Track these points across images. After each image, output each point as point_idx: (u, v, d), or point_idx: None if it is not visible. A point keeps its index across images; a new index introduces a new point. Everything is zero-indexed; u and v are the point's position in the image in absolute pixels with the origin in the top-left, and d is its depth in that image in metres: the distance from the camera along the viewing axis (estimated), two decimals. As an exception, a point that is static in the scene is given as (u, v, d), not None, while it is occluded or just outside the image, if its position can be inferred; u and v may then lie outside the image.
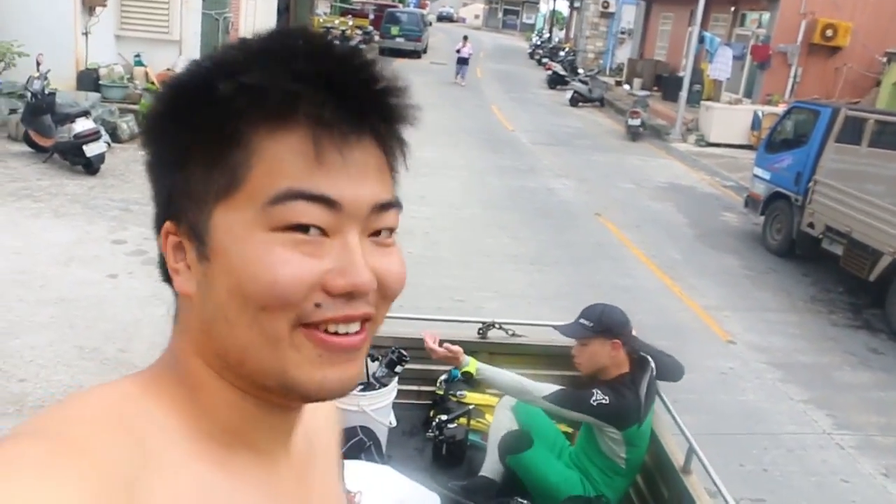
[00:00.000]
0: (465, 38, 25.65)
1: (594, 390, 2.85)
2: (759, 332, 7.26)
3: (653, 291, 7.98)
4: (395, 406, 3.32)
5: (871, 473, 5.14)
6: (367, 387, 3.12)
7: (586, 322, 3.01)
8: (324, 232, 0.63)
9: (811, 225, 9.07)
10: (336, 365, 0.65)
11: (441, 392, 3.58)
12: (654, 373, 2.99)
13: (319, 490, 0.80)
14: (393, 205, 0.68)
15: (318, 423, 0.85)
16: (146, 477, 0.58)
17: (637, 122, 17.64)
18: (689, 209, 11.78)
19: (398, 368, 3.19)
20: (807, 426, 5.63)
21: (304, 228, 0.63)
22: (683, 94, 17.97)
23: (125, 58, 13.33)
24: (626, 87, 24.46)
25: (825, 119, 9.32)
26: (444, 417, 3.34)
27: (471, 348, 3.63)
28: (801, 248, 9.44)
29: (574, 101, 22.88)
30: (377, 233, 0.68)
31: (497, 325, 3.67)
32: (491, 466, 3.19)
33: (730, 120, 17.65)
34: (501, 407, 3.34)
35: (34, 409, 4.43)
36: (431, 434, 3.34)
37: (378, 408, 3.11)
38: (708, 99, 20.15)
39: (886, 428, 5.77)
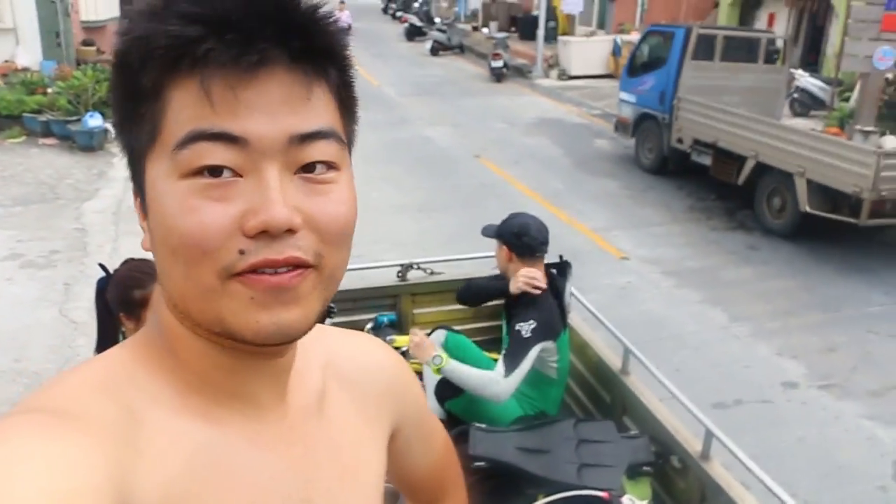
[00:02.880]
0: (342, 1, 23.79)
1: (516, 325, 2.88)
2: (648, 246, 7.61)
3: (543, 221, 8.17)
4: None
5: (767, 356, 5.54)
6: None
7: (495, 224, 3.18)
8: (237, 173, 0.61)
9: (680, 140, 9.53)
10: (269, 308, 0.62)
11: (370, 339, 3.54)
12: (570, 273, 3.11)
13: (332, 441, 0.78)
14: (324, 135, 0.64)
15: (349, 377, 0.85)
16: (136, 437, 0.60)
17: (500, 63, 17.85)
18: (562, 140, 12.08)
19: (327, 321, 3.15)
20: (706, 324, 6.00)
21: (215, 172, 0.60)
22: (540, 31, 18.31)
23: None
24: (484, 30, 24.62)
25: (680, 39, 9.74)
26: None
27: (393, 292, 3.64)
28: (673, 164, 9.92)
29: (434, 51, 22.86)
30: (310, 168, 0.64)
31: (415, 266, 3.67)
32: (434, 406, 3.20)
33: (587, 52, 18.16)
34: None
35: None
36: (369, 380, 3.31)
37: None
38: (564, 34, 20.62)
39: (773, 314, 6.22)
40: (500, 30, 24.07)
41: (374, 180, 9.51)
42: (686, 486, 2.45)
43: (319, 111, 0.64)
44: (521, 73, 18.70)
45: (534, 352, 2.84)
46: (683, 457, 2.45)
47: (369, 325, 3.61)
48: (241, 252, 0.60)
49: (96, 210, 7.93)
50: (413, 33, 26.58)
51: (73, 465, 0.53)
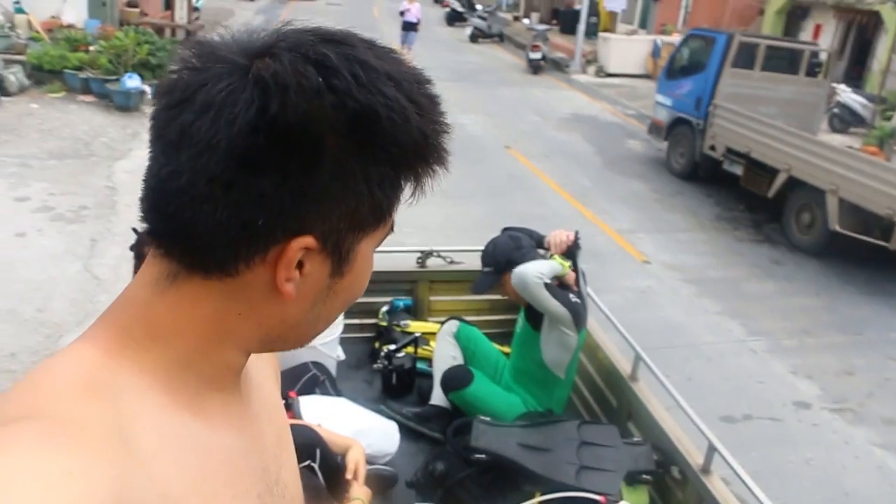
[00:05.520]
0: None
1: (565, 291, 2.87)
2: (671, 252, 7.56)
3: (567, 218, 8.15)
4: (341, 340, 3.30)
5: (781, 373, 5.49)
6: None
7: (487, 269, 2.99)
8: None
9: (712, 147, 9.43)
10: None
11: (385, 323, 3.58)
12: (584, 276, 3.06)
13: (265, 407, 0.84)
14: None
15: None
16: (129, 438, 0.61)
17: (538, 55, 17.74)
18: (594, 138, 12.01)
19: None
20: (722, 335, 5.96)
21: None
22: (581, 26, 18.16)
23: (3, 5, 12.37)
24: (525, 21, 24.53)
25: (721, 45, 9.62)
26: (391, 347, 3.34)
27: (411, 277, 3.66)
28: (703, 171, 9.82)
29: (474, 38, 22.78)
30: None
31: (435, 254, 3.68)
32: (439, 395, 3.20)
33: (627, 50, 18.00)
34: (443, 334, 3.33)
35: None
36: (380, 364, 3.34)
37: (327, 342, 3.09)
38: (605, 31, 20.44)
39: (791, 332, 6.16)
40: (541, 21, 23.95)
41: (403, 163, 9.50)
42: (684, 498, 2.45)
43: None
44: (559, 66, 18.59)
45: (563, 310, 2.77)
46: (684, 468, 2.45)
47: (385, 308, 3.64)
48: None
49: (127, 170, 8.02)
50: (453, 18, 26.47)
51: (72, 479, 0.53)
